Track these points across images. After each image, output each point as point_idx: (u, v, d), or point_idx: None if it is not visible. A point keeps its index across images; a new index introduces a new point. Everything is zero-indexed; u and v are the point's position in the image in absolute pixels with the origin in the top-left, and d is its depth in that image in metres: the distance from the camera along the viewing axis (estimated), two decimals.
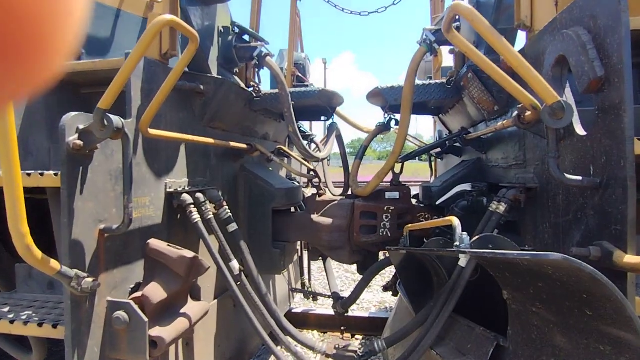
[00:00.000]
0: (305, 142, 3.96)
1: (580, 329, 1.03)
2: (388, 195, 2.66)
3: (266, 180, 2.65)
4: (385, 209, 2.58)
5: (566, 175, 1.14)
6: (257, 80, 2.51)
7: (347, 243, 2.72)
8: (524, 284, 1.20)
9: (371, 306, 4.74)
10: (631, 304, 1.03)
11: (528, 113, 1.26)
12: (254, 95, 2.52)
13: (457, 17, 2.02)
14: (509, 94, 1.84)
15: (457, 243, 1.23)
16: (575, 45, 1.16)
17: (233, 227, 2.13)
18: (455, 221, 1.33)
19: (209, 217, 1.94)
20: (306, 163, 3.15)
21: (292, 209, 3.06)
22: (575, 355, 1.05)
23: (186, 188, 1.92)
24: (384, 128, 2.81)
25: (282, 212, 2.83)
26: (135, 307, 1.46)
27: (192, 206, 1.85)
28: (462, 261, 1.70)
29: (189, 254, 1.62)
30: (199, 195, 1.95)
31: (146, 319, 1.44)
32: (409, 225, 1.99)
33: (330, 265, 3.62)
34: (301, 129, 3.88)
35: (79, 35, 0.24)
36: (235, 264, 2.00)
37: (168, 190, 1.80)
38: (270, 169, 3.20)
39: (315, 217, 2.77)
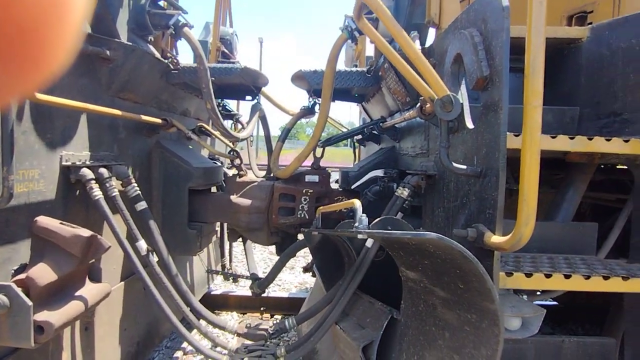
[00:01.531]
0: (230, 121, 3.86)
1: (455, 300, 1.16)
2: (308, 178, 2.71)
3: (183, 159, 2.54)
4: (304, 191, 2.63)
5: (454, 164, 1.26)
6: (174, 52, 2.37)
7: (265, 224, 2.74)
8: (414, 262, 1.32)
9: (292, 287, 4.84)
10: (496, 278, 1.18)
11: (428, 105, 1.36)
12: (172, 67, 2.38)
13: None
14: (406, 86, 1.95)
15: (356, 224, 1.30)
16: (469, 45, 1.27)
17: (142, 205, 2.02)
18: (356, 203, 1.41)
19: (114, 194, 1.82)
20: (228, 142, 3.07)
21: (214, 189, 2.99)
22: (450, 323, 1.19)
23: (87, 162, 1.77)
24: (307, 112, 2.83)
25: (201, 191, 2.75)
26: (18, 289, 1.33)
27: (93, 182, 1.72)
28: (368, 242, 1.81)
29: (85, 232, 1.51)
30: (103, 170, 1.81)
31: (30, 303, 1.32)
32: (321, 207, 2.06)
33: (250, 246, 3.62)
34: (226, 107, 3.77)
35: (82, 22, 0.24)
36: (142, 245, 1.91)
37: (64, 163, 1.65)
38: (190, 147, 3.07)
39: (234, 198, 2.73)
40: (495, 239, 1.09)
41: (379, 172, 2.49)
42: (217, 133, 3.05)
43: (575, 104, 1.61)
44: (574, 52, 1.62)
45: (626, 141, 1.33)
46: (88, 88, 1.80)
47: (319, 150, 2.70)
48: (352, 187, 2.56)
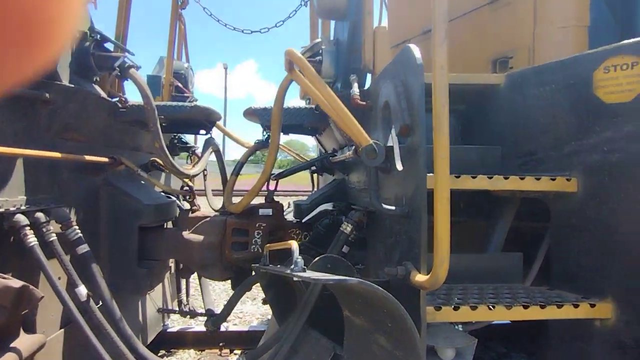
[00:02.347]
0: (186, 154, 3.84)
1: (387, 338, 1.21)
2: (261, 212, 2.73)
3: (133, 196, 2.51)
4: (257, 225, 2.64)
5: (384, 205, 1.34)
6: (123, 91, 2.37)
7: (219, 260, 2.71)
8: (351, 299, 1.36)
9: (253, 319, 4.74)
10: (423, 313, 1.25)
11: (359, 149, 1.45)
12: (120, 105, 2.38)
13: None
14: (362, 126, 2.06)
15: (292, 266, 1.34)
16: (394, 94, 1.38)
17: (83, 248, 1.97)
18: (293, 245, 1.45)
19: (51, 239, 1.76)
20: (185, 177, 3.05)
21: (170, 225, 2.94)
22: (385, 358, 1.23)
23: (22, 207, 1.71)
24: (261, 145, 2.89)
25: (153, 228, 2.70)
26: None
27: (28, 228, 1.66)
28: None
29: (16, 283, 1.46)
30: (40, 215, 1.76)
31: None
32: (268, 245, 2.08)
33: (206, 281, 3.55)
34: (182, 139, 3.76)
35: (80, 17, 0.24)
36: (82, 290, 1.84)
37: None
38: (143, 182, 3.03)
39: (186, 234, 2.70)
40: (419, 277, 1.16)
41: (328, 206, 2.56)
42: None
43: (498, 143, 1.76)
44: (494, 96, 1.78)
45: (537, 179, 1.47)
46: (24, 131, 1.77)
47: (272, 183, 2.74)
48: (303, 220, 2.61)
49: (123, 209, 2.46)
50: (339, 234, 1.91)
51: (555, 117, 1.55)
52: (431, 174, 1.39)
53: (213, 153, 3.27)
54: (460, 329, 1.56)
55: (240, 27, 3.42)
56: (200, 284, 3.44)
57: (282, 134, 3.31)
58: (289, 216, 2.89)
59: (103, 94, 2.22)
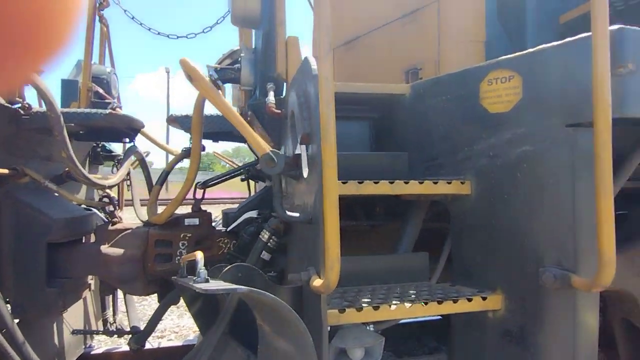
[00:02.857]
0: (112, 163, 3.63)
1: (290, 342, 1.23)
2: (187, 221, 2.66)
3: (39, 209, 2.33)
4: (182, 236, 2.57)
5: (287, 212, 1.36)
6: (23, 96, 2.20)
7: (141, 274, 2.59)
8: (259, 308, 1.37)
9: (190, 332, 4.58)
10: (324, 317, 1.28)
11: None
12: (22, 112, 2.20)
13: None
14: (280, 134, 2.08)
15: (195, 277, 1.32)
16: (297, 103, 1.42)
17: None
18: (198, 256, 1.43)
19: None
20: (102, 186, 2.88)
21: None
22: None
23: None
24: (188, 154, 2.81)
25: (66, 244, 2.52)
26: None
27: None
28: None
29: None
30: None
31: None
32: (185, 256, 2.03)
33: (132, 297, 3.38)
34: (105, 148, 3.56)
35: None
36: None
37: None
38: (56, 194, 2.82)
39: (104, 248, 2.55)
40: (316, 282, 1.19)
41: (253, 213, 2.55)
42: (91, 176, 2.85)
43: (406, 149, 1.86)
44: (401, 105, 1.88)
45: (435, 183, 1.57)
46: None
47: (199, 192, 2.68)
48: (228, 228, 2.58)
49: (28, 224, 2.27)
50: (257, 242, 1.91)
51: (450, 125, 1.67)
52: (344, 182, 1.44)
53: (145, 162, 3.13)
54: (372, 328, 1.62)
55: (173, 32, 3.28)
56: (125, 300, 3.26)
57: (213, 141, 3.26)
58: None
59: (1, 100, 2.05)
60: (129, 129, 2.85)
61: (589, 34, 1.15)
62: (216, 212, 3.17)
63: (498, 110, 1.50)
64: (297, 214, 1.36)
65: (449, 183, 1.58)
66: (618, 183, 1.64)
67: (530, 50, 1.42)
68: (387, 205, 2.05)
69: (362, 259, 1.70)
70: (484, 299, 1.50)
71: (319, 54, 1.07)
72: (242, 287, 1.00)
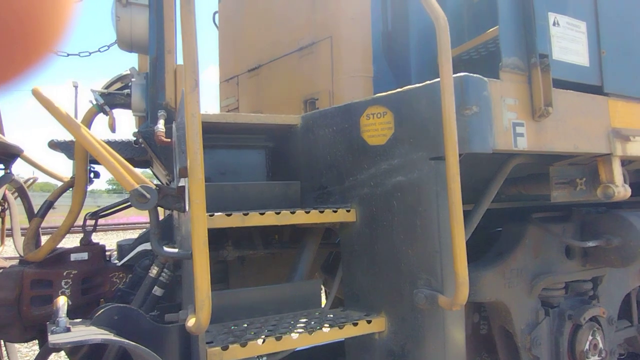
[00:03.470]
0: None
1: None
2: (74, 257, 2.41)
3: None
4: (65, 274, 2.32)
5: (165, 248, 1.31)
6: None
7: (16, 319, 2.28)
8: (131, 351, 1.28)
9: None
10: (202, 356, 1.23)
11: None
12: None
13: None
14: (173, 163, 2.01)
15: (53, 327, 1.19)
16: (177, 136, 1.38)
17: None
18: (60, 302, 1.30)
19: None
20: None
21: None
22: None
23: None
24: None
25: None
26: None
27: None
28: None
29: None
30: None
31: None
32: (57, 299, 1.83)
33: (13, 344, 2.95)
34: None
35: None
36: None
37: None
38: None
39: None
40: (189, 322, 1.15)
41: (147, 245, 2.41)
42: None
43: (299, 178, 1.91)
44: (294, 135, 1.94)
45: (321, 212, 1.63)
46: None
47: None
48: (121, 262, 2.39)
49: None
50: (146, 277, 1.80)
51: (337, 155, 1.76)
52: (218, 214, 1.41)
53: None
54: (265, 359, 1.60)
55: (74, 52, 2.99)
56: (4, 346, 2.83)
57: None
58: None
59: None
60: (3, 154, 2.54)
61: (439, 79, 1.30)
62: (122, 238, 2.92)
63: (376, 142, 1.61)
64: (174, 250, 1.30)
65: (335, 212, 1.65)
66: (483, 205, 1.85)
67: (400, 89, 1.56)
68: (285, 233, 2.07)
69: (252, 290, 1.69)
70: (369, 322, 1.57)
71: (185, 90, 1.07)
72: (96, 336, 0.92)
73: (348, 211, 1.68)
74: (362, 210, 1.68)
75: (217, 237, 1.91)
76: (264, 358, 1.65)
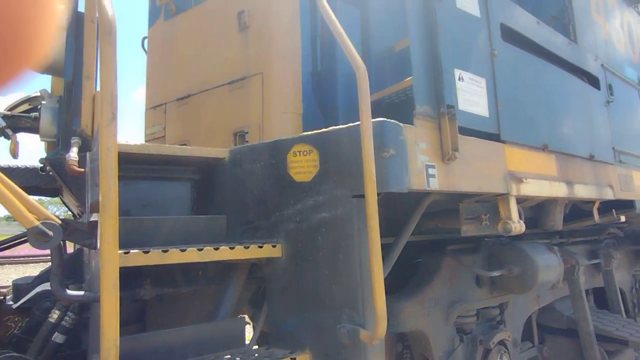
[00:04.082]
0: None
1: None
2: None
3: None
4: None
5: (68, 291, 1.19)
6: None
7: None
8: None
9: None
10: None
11: None
12: None
13: None
14: (85, 195, 1.86)
15: None
16: (90, 167, 1.30)
17: None
18: None
19: None
20: None
21: None
22: None
23: None
24: None
25: None
26: None
27: None
28: None
29: None
30: None
31: None
32: None
33: None
34: None
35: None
36: None
37: None
38: None
39: None
40: None
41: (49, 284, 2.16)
42: None
43: (225, 212, 1.87)
44: (221, 169, 1.92)
45: (246, 247, 1.61)
46: None
47: None
48: (17, 304, 2.12)
49: None
50: (45, 322, 1.61)
51: (264, 190, 1.77)
52: (135, 251, 1.33)
53: None
54: None
55: None
56: None
57: None
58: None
59: None
60: None
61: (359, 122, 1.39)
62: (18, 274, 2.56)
63: (302, 179, 1.66)
64: (82, 293, 1.19)
65: (261, 247, 1.64)
66: (402, 239, 1.97)
67: (325, 129, 1.64)
68: (210, 268, 1.99)
69: (169, 332, 1.59)
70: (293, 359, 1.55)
71: (101, 123, 1.02)
72: None
73: (274, 246, 1.68)
74: (288, 245, 1.69)
75: (133, 275, 1.79)
76: None
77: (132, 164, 1.85)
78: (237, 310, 1.85)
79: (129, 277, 1.77)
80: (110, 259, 1.00)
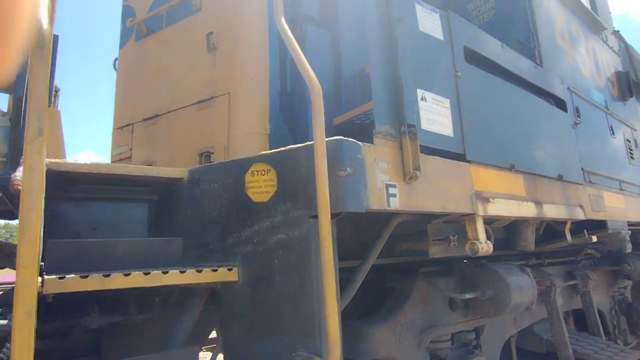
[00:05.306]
0: None
1: None
2: None
3: None
4: None
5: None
6: None
7: None
8: None
9: None
10: None
11: None
12: None
13: None
14: None
15: None
16: None
17: None
18: None
19: None
20: None
21: None
22: None
23: None
24: None
25: None
26: None
27: None
28: None
29: None
30: None
31: None
32: None
33: None
34: None
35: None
36: None
37: None
38: None
39: None
40: None
41: None
42: None
43: (182, 235, 1.79)
44: (179, 189, 1.85)
45: (199, 271, 1.53)
46: None
47: None
48: None
49: None
50: None
51: (221, 211, 1.70)
52: (71, 276, 1.25)
53: None
54: None
55: None
56: None
57: None
58: None
59: None
60: None
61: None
62: None
63: (260, 199, 1.60)
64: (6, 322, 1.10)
65: (215, 270, 1.56)
66: (368, 261, 1.91)
67: (282, 148, 1.60)
68: (172, 294, 1.90)
69: None
70: None
71: (25, 139, 0.96)
72: None
73: (230, 270, 1.60)
74: (244, 269, 1.61)
75: (82, 302, 1.68)
76: None
77: (84, 184, 1.78)
78: (196, 338, 1.74)
79: (76, 304, 1.66)
80: (25, 283, 0.92)
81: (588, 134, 3.32)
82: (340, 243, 1.85)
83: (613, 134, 3.82)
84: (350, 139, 1.50)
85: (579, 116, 3.22)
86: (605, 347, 3.29)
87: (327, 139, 1.46)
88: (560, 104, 3.05)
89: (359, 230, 2.20)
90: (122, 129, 2.80)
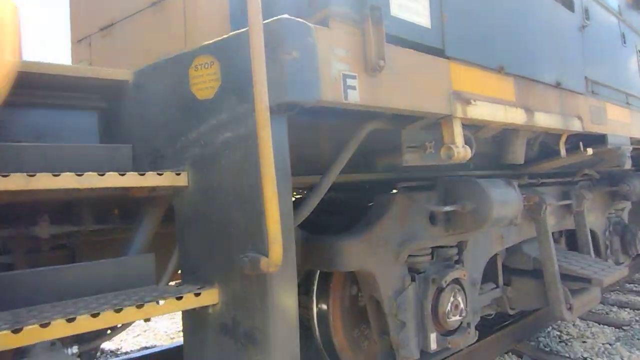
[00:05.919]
0: None
1: None
2: None
3: None
4: None
5: None
6: None
7: None
8: None
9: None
10: None
11: None
12: None
13: None
14: None
15: None
16: None
17: None
18: None
19: None
20: None
21: None
22: None
23: None
24: None
25: None
26: None
27: None
28: None
29: None
30: None
31: None
32: None
33: None
34: None
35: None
36: None
37: None
38: None
39: None
40: None
41: None
42: None
43: (132, 141, 1.68)
44: (127, 93, 1.70)
45: (142, 174, 1.43)
46: None
47: None
48: None
49: None
50: None
51: (169, 114, 1.57)
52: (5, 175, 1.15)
53: None
54: (75, 350, 1.37)
55: None
56: None
57: None
58: None
59: None
60: None
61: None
62: None
63: (205, 96, 1.45)
64: None
65: (161, 174, 1.46)
66: (333, 171, 1.79)
67: (227, 35, 1.41)
68: (123, 207, 1.83)
69: (61, 269, 1.44)
70: (197, 295, 1.41)
71: None
72: None
73: (178, 174, 1.50)
74: (194, 173, 1.51)
75: (32, 211, 1.62)
76: (74, 347, 1.42)
77: (24, 88, 1.63)
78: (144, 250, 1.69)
79: (24, 213, 1.60)
80: None
81: (596, 39, 3.00)
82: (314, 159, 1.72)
83: (624, 43, 3.47)
84: (297, 19, 1.30)
85: (587, 18, 2.88)
86: (592, 264, 3.27)
87: (269, 20, 1.26)
88: (567, 2, 2.71)
89: (331, 139, 2.06)
90: (80, 42, 2.59)
